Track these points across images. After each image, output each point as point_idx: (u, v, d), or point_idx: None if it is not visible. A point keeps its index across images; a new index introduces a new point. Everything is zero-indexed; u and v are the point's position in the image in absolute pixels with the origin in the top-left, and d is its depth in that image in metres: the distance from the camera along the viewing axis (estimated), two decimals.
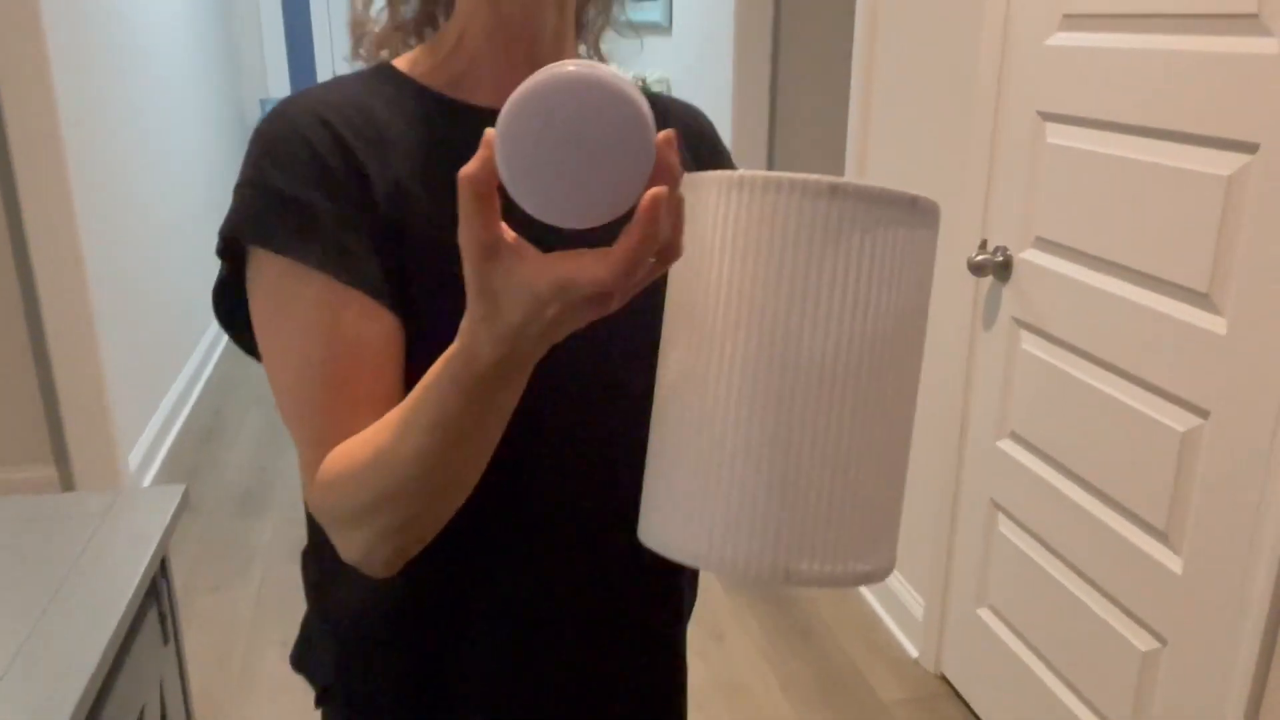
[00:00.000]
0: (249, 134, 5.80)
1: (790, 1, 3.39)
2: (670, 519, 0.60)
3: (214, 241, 4.68)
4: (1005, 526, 1.93)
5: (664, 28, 4.27)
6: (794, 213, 0.57)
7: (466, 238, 0.50)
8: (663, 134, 0.49)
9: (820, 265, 0.57)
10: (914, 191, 0.63)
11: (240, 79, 5.84)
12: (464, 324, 0.54)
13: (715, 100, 3.62)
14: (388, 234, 0.69)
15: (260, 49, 5.89)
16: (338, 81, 0.75)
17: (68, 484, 2.98)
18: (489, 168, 0.48)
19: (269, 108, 5.82)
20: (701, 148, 0.89)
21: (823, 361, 0.58)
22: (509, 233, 0.50)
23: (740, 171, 0.58)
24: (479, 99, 0.76)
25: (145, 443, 3.26)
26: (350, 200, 0.68)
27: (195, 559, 2.79)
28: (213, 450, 3.50)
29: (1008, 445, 1.91)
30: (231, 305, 0.75)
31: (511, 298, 0.50)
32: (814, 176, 0.57)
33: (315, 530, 0.84)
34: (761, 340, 0.57)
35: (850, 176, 2.54)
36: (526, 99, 0.48)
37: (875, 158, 2.42)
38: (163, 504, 1.32)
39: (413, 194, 0.71)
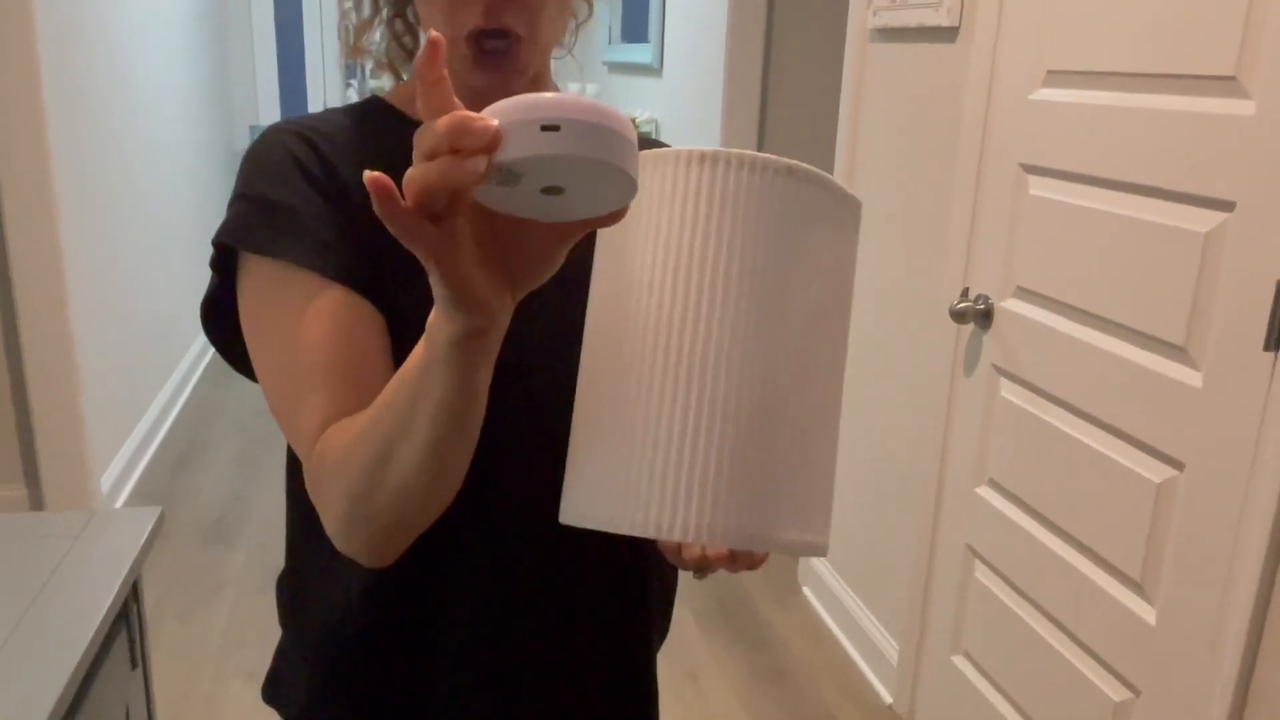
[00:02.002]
0: (238, 159, 5.81)
1: (779, 46, 3.45)
2: (601, 490, 0.59)
3: (199, 264, 4.67)
4: (981, 573, 1.94)
5: (654, 69, 4.32)
6: (754, 189, 0.58)
7: (417, 236, 0.49)
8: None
9: (773, 240, 0.59)
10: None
11: (231, 104, 5.86)
12: (434, 313, 0.55)
13: (705, 142, 3.66)
14: (365, 234, 0.72)
15: (252, 75, 5.92)
16: (327, 112, 0.80)
17: (38, 505, 2.94)
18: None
19: (258, 134, 5.82)
20: None
21: (769, 331, 0.59)
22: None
23: (699, 148, 0.59)
24: None
25: (119, 466, 3.23)
26: (331, 202, 0.73)
27: (164, 585, 2.75)
28: (187, 475, 3.47)
29: (986, 492, 1.92)
30: (221, 319, 0.77)
31: (456, 267, 0.51)
32: (771, 156, 0.59)
33: (295, 552, 0.84)
34: (707, 307, 0.58)
35: None
36: (519, 150, 0.46)
37: (862, 201, 2.45)
38: (137, 526, 1.30)
39: None
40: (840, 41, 3.12)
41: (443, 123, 0.45)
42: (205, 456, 3.63)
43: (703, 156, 0.59)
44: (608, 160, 0.47)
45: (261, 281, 0.71)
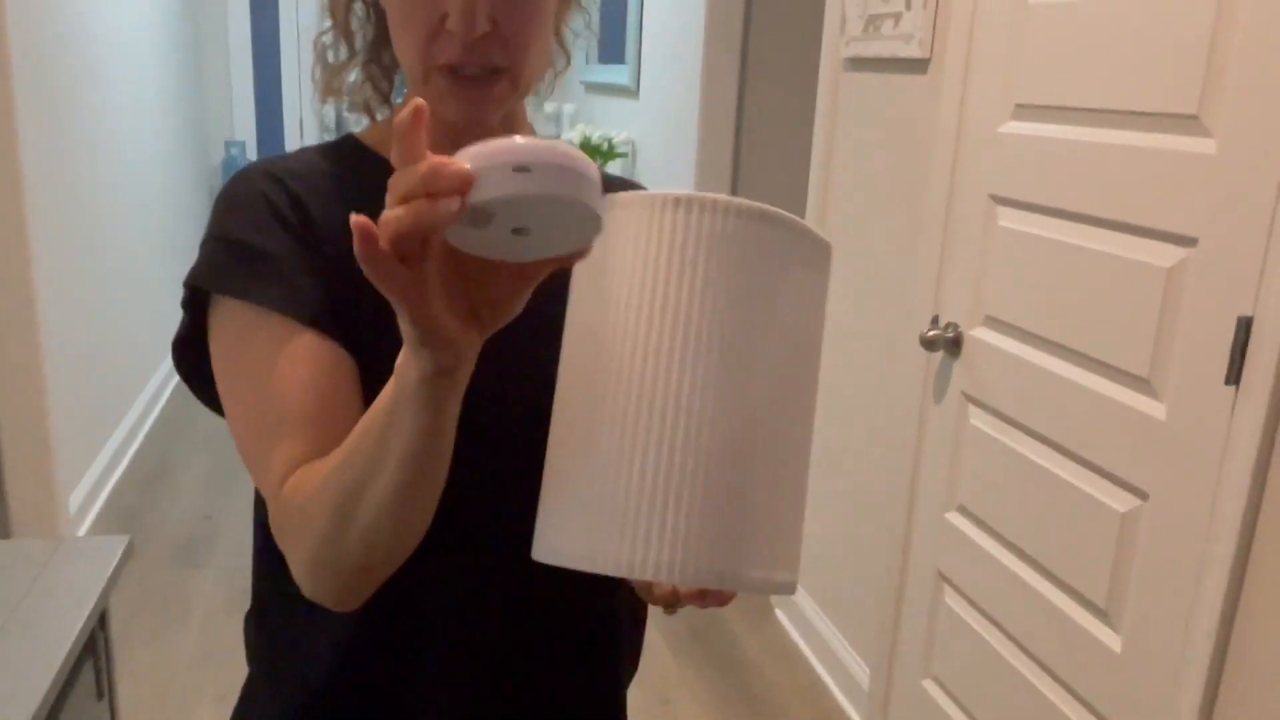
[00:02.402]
0: (213, 175, 5.77)
1: (755, 70, 3.48)
2: (574, 527, 0.59)
3: (170, 281, 4.63)
4: (951, 599, 1.96)
5: (631, 91, 4.35)
6: (727, 233, 0.60)
7: (390, 278, 0.50)
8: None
9: (745, 283, 0.60)
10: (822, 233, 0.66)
11: (206, 121, 5.83)
12: (403, 352, 0.56)
13: (680, 165, 3.68)
14: (337, 277, 0.72)
15: (228, 91, 5.90)
16: (299, 151, 0.80)
17: (3, 524, 2.90)
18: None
19: (234, 150, 5.76)
20: None
21: (741, 373, 0.60)
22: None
23: (674, 191, 0.60)
24: None
25: (87, 484, 3.19)
26: (302, 245, 0.73)
27: (132, 608, 2.72)
28: (156, 495, 3.44)
29: (955, 518, 1.94)
30: (192, 358, 0.77)
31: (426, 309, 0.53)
32: (744, 201, 0.60)
33: (261, 593, 0.84)
34: (680, 348, 0.59)
35: None
36: (491, 191, 0.48)
37: (834, 227, 2.47)
38: (105, 555, 1.29)
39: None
40: (815, 67, 3.15)
41: (418, 167, 0.47)
42: (175, 476, 3.60)
43: (676, 200, 0.60)
44: (576, 198, 0.49)
45: (233, 324, 0.71)
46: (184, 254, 5.02)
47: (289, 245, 0.73)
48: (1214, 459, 1.31)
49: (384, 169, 0.78)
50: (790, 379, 0.63)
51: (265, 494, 0.69)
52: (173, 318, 4.65)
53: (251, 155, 5.96)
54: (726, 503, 0.59)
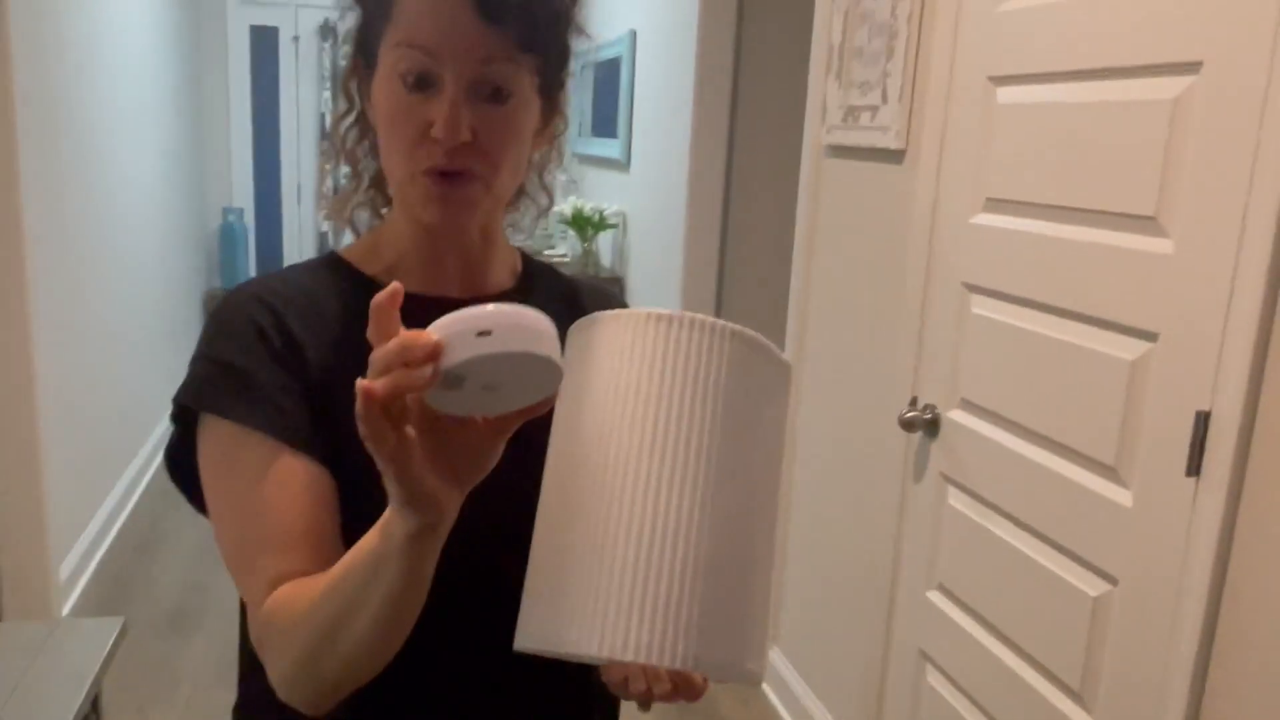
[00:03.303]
0: (210, 240, 5.84)
1: (742, 148, 3.58)
2: (557, 616, 0.64)
3: (166, 350, 4.68)
4: (933, 677, 1.98)
5: (622, 164, 4.45)
6: (704, 348, 0.67)
7: (381, 439, 0.56)
8: None
9: (720, 394, 0.67)
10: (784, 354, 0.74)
11: (205, 188, 5.93)
12: (389, 510, 0.61)
13: (669, 238, 3.76)
14: (321, 398, 0.78)
15: (228, 158, 6.01)
16: (287, 270, 0.86)
17: None
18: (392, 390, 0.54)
19: (231, 216, 5.84)
20: None
21: (716, 476, 0.66)
22: (407, 431, 0.58)
23: (655, 310, 0.67)
24: (412, 287, 0.85)
25: (77, 553, 3.20)
26: (288, 368, 0.78)
27: (121, 678, 2.72)
28: (145, 563, 3.44)
29: (936, 597, 1.97)
30: (184, 467, 0.82)
31: (419, 485, 0.59)
32: (719, 321, 0.68)
33: (247, 687, 0.87)
34: (660, 450, 0.65)
35: (792, 327, 2.65)
36: (461, 354, 0.54)
37: (818, 304, 2.54)
38: (99, 638, 1.32)
39: (345, 364, 0.79)
40: (799, 148, 3.25)
41: (393, 342, 0.53)
42: (165, 544, 3.61)
43: (659, 317, 0.67)
44: (535, 353, 0.55)
45: (219, 442, 0.76)
46: (180, 320, 5.07)
47: (274, 368, 0.78)
48: (1179, 547, 1.36)
49: (364, 285, 0.84)
50: (759, 483, 0.69)
51: (248, 602, 0.73)
52: (165, 385, 4.68)
53: (249, 222, 6.06)
54: (705, 592, 0.65)
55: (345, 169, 0.91)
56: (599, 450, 0.66)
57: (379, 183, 0.89)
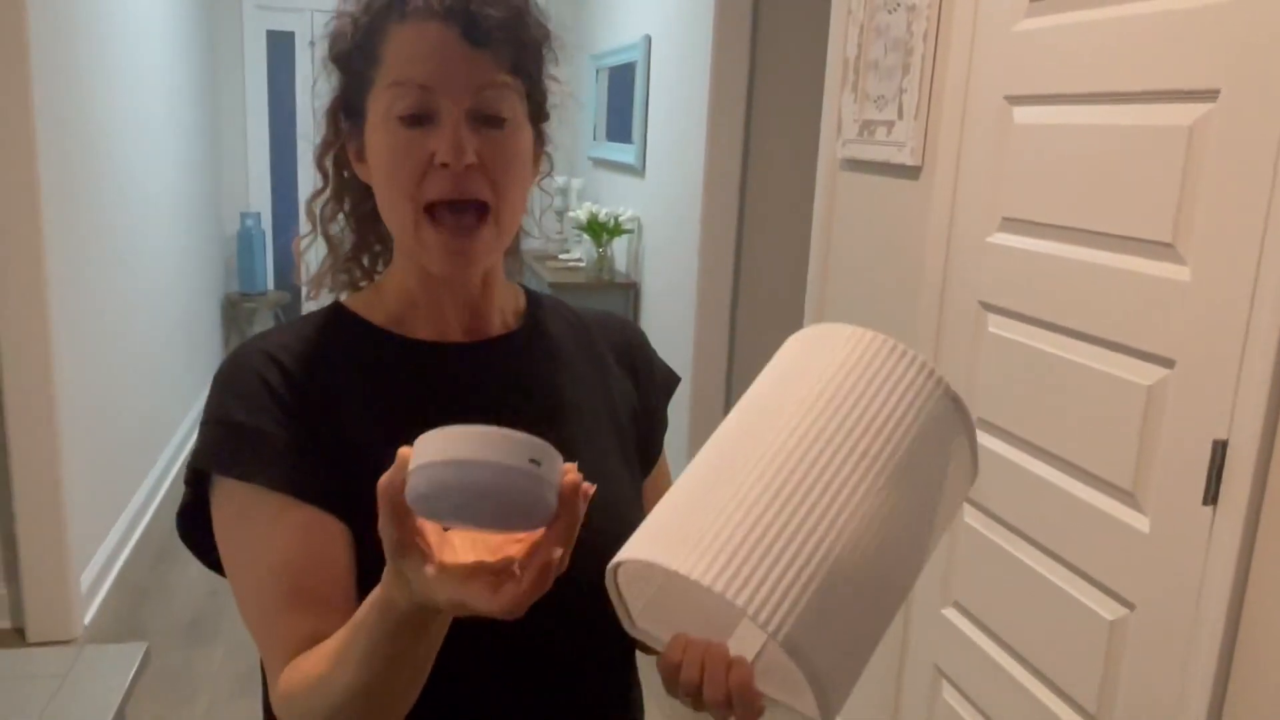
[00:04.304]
0: (228, 245, 5.88)
1: (757, 153, 3.58)
2: (687, 537, 0.65)
3: (183, 358, 4.72)
4: (949, 694, 1.98)
5: (637, 170, 4.45)
6: (924, 391, 0.72)
7: (383, 531, 0.58)
8: (569, 481, 0.57)
9: (921, 437, 0.70)
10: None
11: (222, 192, 5.96)
12: (385, 575, 0.62)
13: (684, 244, 3.77)
14: (332, 449, 0.78)
15: (245, 163, 6.04)
16: (293, 323, 0.87)
17: (17, 604, 2.94)
18: (401, 484, 0.57)
19: (249, 221, 5.86)
20: (634, 357, 1.00)
21: (890, 503, 0.68)
22: (422, 536, 0.59)
23: (880, 334, 0.73)
24: (417, 334, 0.87)
25: (98, 563, 3.23)
26: (299, 424, 0.78)
27: (140, 689, 2.74)
28: (163, 572, 3.47)
29: (951, 614, 1.97)
30: (196, 527, 0.83)
31: (419, 587, 0.59)
32: (939, 373, 0.73)
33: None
34: (847, 457, 0.68)
35: None
36: (430, 481, 0.55)
37: (833, 315, 2.54)
38: (122, 665, 1.34)
39: (355, 416, 0.80)
40: (815, 155, 3.24)
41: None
42: (183, 553, 3.61)
43: (894, 346, 0.72)
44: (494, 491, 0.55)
45: (233, 503, 0.78)
46: (199, 326, 5.11)
47: (284, 423, 0.78)
48: (1196, 575, 1.36)
49: (370, 334, 0.86)
50: (915, 530, 0.71)
51: (269, 666, 0.74)
52: (183, 393, 4.73)
53: (266, 227, 6.08)
54: (826, 588, 0.65)
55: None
56: (782, 424, 0.69)
57: (356, 254, 0.90)
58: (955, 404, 0.73)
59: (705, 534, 0.64)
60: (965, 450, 0.74)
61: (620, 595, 0.75)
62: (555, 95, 0.88)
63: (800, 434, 0.68)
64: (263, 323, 6.17)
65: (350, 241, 0.91)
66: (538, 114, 0.86)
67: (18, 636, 2.94)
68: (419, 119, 0.77)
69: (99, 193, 3.37)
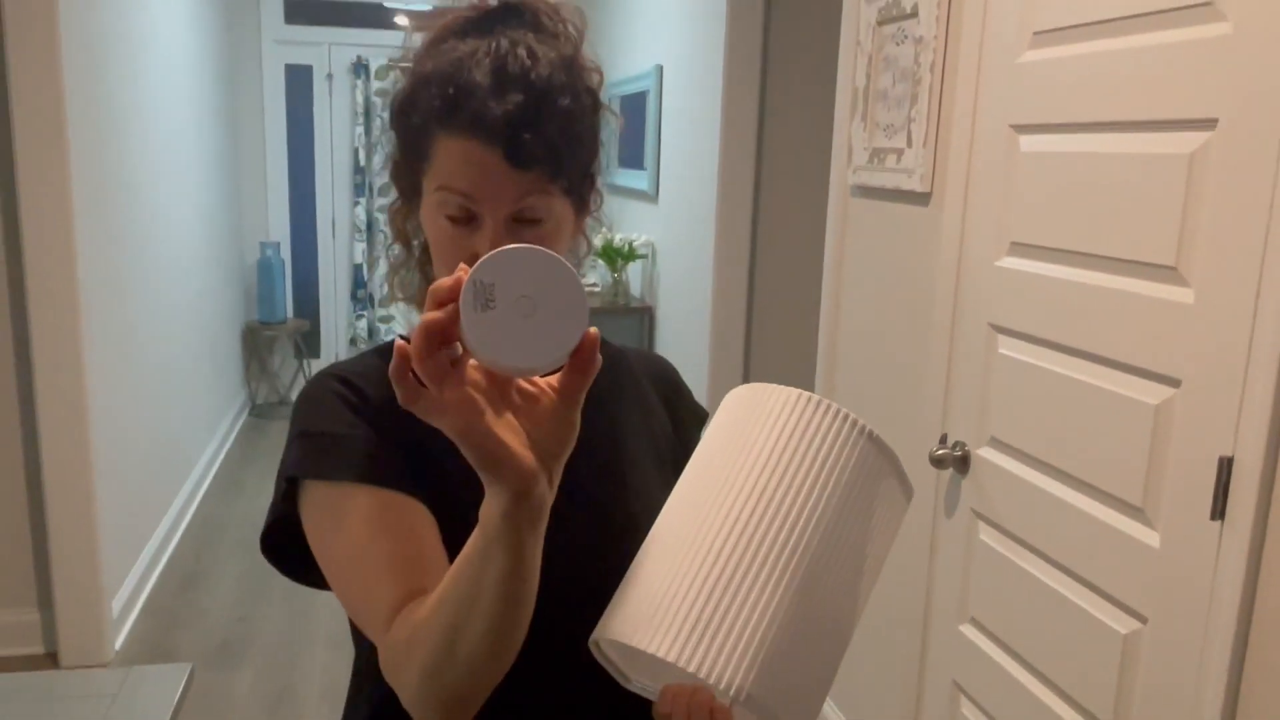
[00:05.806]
0: (248, 274, 5.97)
1: (769, 180, 3.64)
2: (640, 617, 0.72)
3: (207, 384, 4.79)
4: (967, 709, 2.02)
5: (650, 196, 4.52)
6: (847, 442, 0.78)
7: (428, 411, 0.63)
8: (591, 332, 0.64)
9: (851, 485, 0.77)
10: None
11: (243, 222, 6.07)
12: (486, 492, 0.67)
13: (698, 270, 3.83)
14: (407, 448, 0.86)
15: (264, 194, 6.14)
16: (360, 356, 0.96)
17: (50, 630, 3.00)
18: (448, 319, 0.61)
19: (269, 250, 5.96)
20: (668, 390, 1.08)
21: (829, 552, 0.75)
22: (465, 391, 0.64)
23: (811, 394, 0.79)
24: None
25: (127, 589, 3.29)
26: (373, 427, 0.87)
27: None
28: (192, 597, 3.53)
29: (968, 630, 2.01)
30: (283, 542, 0.90)
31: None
32: (863, 422, 0.79)
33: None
34: (786, 514, 0.75)
35: (822, 362, 2.70)
36: (486, 263, 0.60)
37: (847, 339, 2.59)
38: (169, 685, 1.39)
39: (420, 422, 0.86)
40: (827, 184, 3.30)
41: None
42: (210, 577, 3.70)
43: (811, 399, 0.78)
44: (554, 256, 0.61)
45: (326, 502, 0.84)
46: (221, 354, 5.19)
47: (362, 427, 0.87)
48: (1205, 589, 1.40)
49: None
50: (855, 574, 0.78)
51: (373, 637, 0.80)
52: (208, 418, 4.80)
53: (286, 256, 6.18)
54: (776, 642, 0.72)
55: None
56: (722, 494, 0.76)
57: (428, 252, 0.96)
58: (877, 446, 0.79)
59: (662, 610, 0.72)
60: (895, 487, 0.81)
61: (610, 659, 0.82)
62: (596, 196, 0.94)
63: (741, 503, 0.75)
64: (282, 351, 6.25)
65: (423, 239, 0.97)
66: (581, 190, 0.91)
67: (50, 662, 3.00)
68: (463, 219, 0.84)
69: (128, 229, 3.45)
